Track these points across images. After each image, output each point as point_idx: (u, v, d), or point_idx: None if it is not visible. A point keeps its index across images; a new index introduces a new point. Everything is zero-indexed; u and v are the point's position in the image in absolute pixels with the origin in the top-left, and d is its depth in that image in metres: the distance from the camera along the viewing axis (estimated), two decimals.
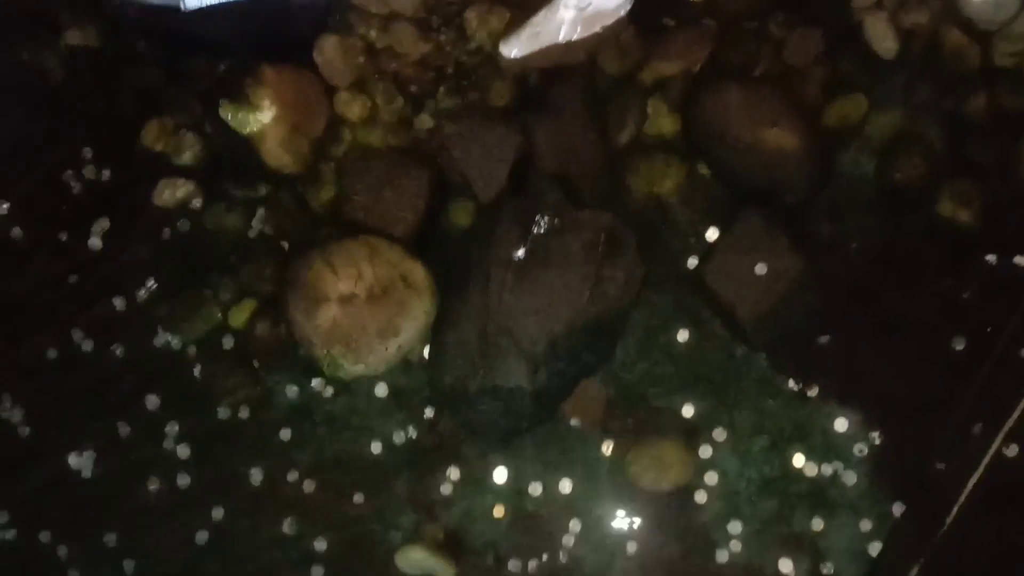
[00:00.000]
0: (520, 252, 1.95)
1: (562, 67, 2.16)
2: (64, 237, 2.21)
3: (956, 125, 2.12)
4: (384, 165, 2.17)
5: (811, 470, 2.01)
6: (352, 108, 2.20)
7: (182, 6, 2.16)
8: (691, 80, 2.17)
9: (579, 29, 2.13)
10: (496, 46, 2.16)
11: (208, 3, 2.16)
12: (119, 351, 2.16)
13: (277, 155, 2.17)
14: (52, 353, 2.15)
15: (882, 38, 2.12)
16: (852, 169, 2.13)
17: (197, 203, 2.22)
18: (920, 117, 2.12)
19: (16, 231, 2.22)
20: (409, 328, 2.03)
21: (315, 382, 2.12)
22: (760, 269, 2.01)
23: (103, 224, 2.21)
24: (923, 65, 2.13)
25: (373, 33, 2.21)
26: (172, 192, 2.21)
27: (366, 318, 2.01)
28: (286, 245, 2.18)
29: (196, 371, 2.14)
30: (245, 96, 2.11)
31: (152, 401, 2.12)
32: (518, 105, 2.18)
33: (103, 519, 2.08)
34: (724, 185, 2.14)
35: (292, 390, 2.12)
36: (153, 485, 2.08)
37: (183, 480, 2.08)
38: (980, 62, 2.11)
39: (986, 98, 2.10)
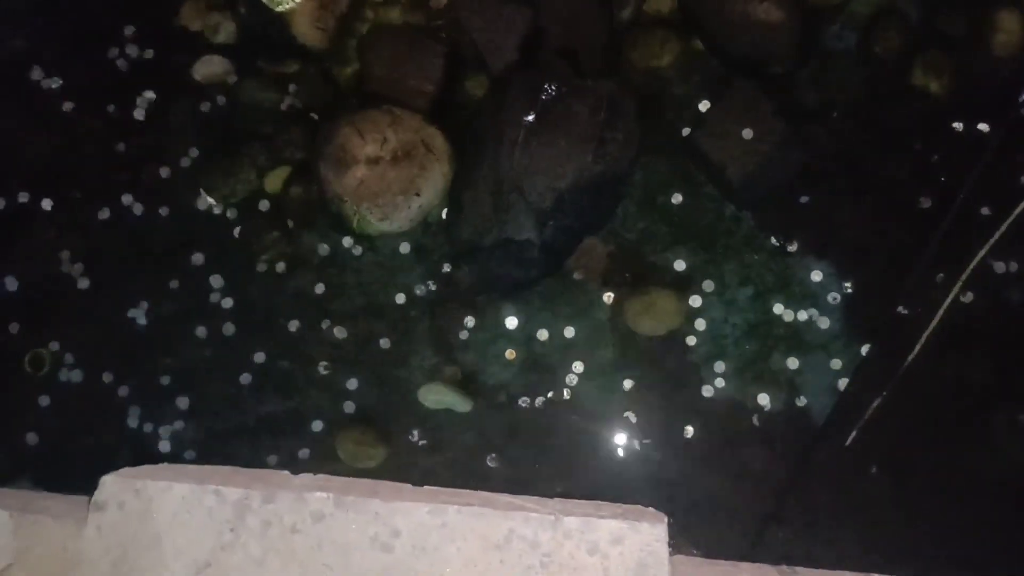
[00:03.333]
0: (530, 117, 2.20)
1: None
2: (111, 109, 2.48)
3: (931, 1, 2.35)
4: (403, 42, 2.40)
5: (789, 316, 2.30)
6: None
7: None
8: None
9: None
10: None
11: None
12: (165, 213, 2.43)
13: (307, 32, 2.41)
14: (105, 214, 2.44)
15: None
16: (835, 43, 2.36)
17: (232, 79, 2.47)
18: None
19: (67, 104, 2.48)
20: (429, 188, 2.31)
21: (344, 240, 2.39)
22: (748, 133, 2.27)
23: (147, 98, 2.48)
24: None
25: None
26: (209, 68, 2.46)
27: (391, 178, 2.29)
28: (315, 116, 2.44)
29: (236, 231, 2.41)
30: None
31: (197, 258, 2.40)
32: None
33: (158, 362, 2.36)
34: (717, 59, 2.37)
35: (323, 247, 2.40)
36: (201, 333, 2.38)
37: (228, 329, 2.38)
38: None
39: None
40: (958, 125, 2.31)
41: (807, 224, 2.33)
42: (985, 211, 2.27)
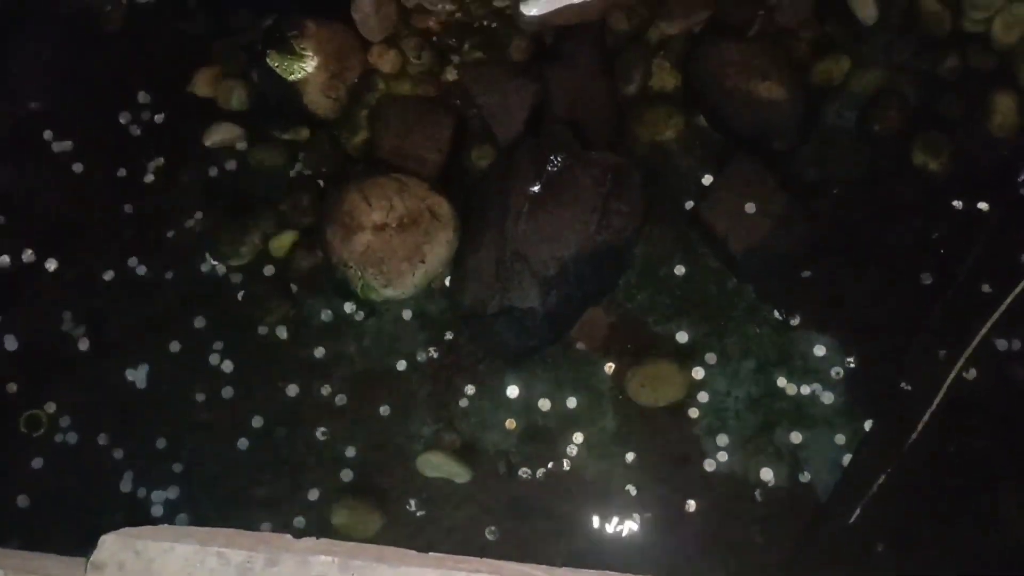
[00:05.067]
0: (535, 187, 2.27)
1: (576, 25, 2.48)
2: (122, 173, 2.55)
3: (930, 83, 2.43)
4: (412, 112, 2.49)
5: (792, 390, 2.33)
6: (384, 60, 2.53)
7: None
8: (692, 39, 2.48)
9: None
10: (516, 6, 2.49)
11: None
12: (170, 275, 2.47)
13: (317, 101, 2.50)
14: (109, 275, 2.49)
15: (864, 5, 2.42)
16: (835, 120, 2.45)
17: (242, 144, 2.55)
18: (898, 75, 2.43)
19: (78, 166, 2.55)
20: (434, 256, 2.36)
21: (347, 306, 2.44)
22: (750, 207, 2.34)
23: (158, 162, 2.55)
24: (901, 29, 2.44)
25: None
26: (220, 134, 2.54)
27: (396, 245, 2.34)
28: (323, 183, 2.52)
29: (240, 295, 2.46)
30: (291, 46, 2.44)
31: (199, 321, 2.45)
32: (535, 59, 2.50)
33: (155, 426, 2.38)
34: (720, 134, 2.46)
35: (326, 313, 2.44)
36: (200, 396, 2.41)
37: (227, 392, 2.40)
38: (952, 27, 2.42)
39: (957, 59, 2.42)
40: (958, 203, 2.38)
41: (810, 298, 2.38)
42: (986, 288, 2.32)
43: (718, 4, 2.49)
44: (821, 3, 2.47)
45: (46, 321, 2.45)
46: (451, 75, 2.54)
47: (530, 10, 2.46)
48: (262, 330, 2.44)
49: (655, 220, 2.43)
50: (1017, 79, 2.41)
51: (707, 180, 2.45)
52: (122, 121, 2.58)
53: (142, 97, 2.59)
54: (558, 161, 2.27)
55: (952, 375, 2.25)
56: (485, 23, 2.54)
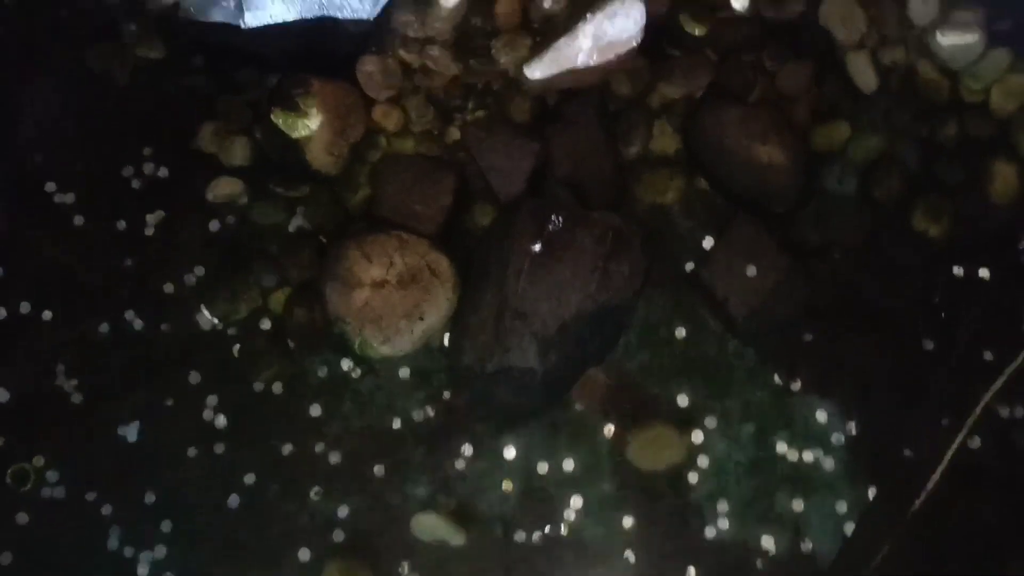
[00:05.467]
0: (536, 246, 2.28)
1: (578, 88, 2.53)
2: (122, 226, 2.56)
3: (929, 149, 2.47)
4: (414, 170, 2.51)
5: (793, 455, 2.31)
6: (388, 119, 2.56)
7: (242, 25, 2.56)
8: (693, 103, 2.52)
9: (595, 56, 2.50)
10: (520, 68, 2.53)
11: (265, 23, 2.56)
12: (166, 329, 2.46)
13: (320, 158, 2.52)
14: (104, 328, 2.47)
15: (863, 73, 2.48)
16: (836, 185, 2.47)
17: (244, 200, 2.56)
18: (897, 142, 2.46)
19: (78, 219, 2.56)
20: (433, 313, 2.36)
21: (344, 363, 2.42)
22: (751, 270, 2.34)
23: (158, 215, 2.56)
24: (900, 97, 2.48)
25: (410, 54, 2.59)
26: (222, 189, 2.55)
27: (395, 302, 2.34)
28: (323, 238, 2.52)
29: (236, 350, 2.44)
30: (295, 104, 2.47)
31: (194, 376, 2.43)
32: (537, 120, 2.53)
33: (144, 482, 2.34)
34: (720, 197, 2.48)
35: (323, 369, 2.42)
36: (192, 452, 2.38)
37: (219, 448, 2.37)
38: (950, 96, 2.46)
39: (956, 127, 2.45)
40: (958, 269, 2.39)
41: (811, 362, 2.37)
42: (988, 356, 2.31)
43: (719, 69, 2.53)
44: (820, 70, 2.51)
45: (39, 373, 2.43)
46: (454, 134, 2.57)
47: (533, 73, 2.50)
48: (257, 386, 2.42)
49: (656, 282, 2.43)
50: (1016, 147, 2.44)
51: (708, 243, 2.46)
52: (125, 174, 2.59)
53: (146, 151, 2.60)
54: (559, 221, 2.28)
55: (956, 443, 2.23)
56: (488, 84, 2.58)
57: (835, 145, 2.48)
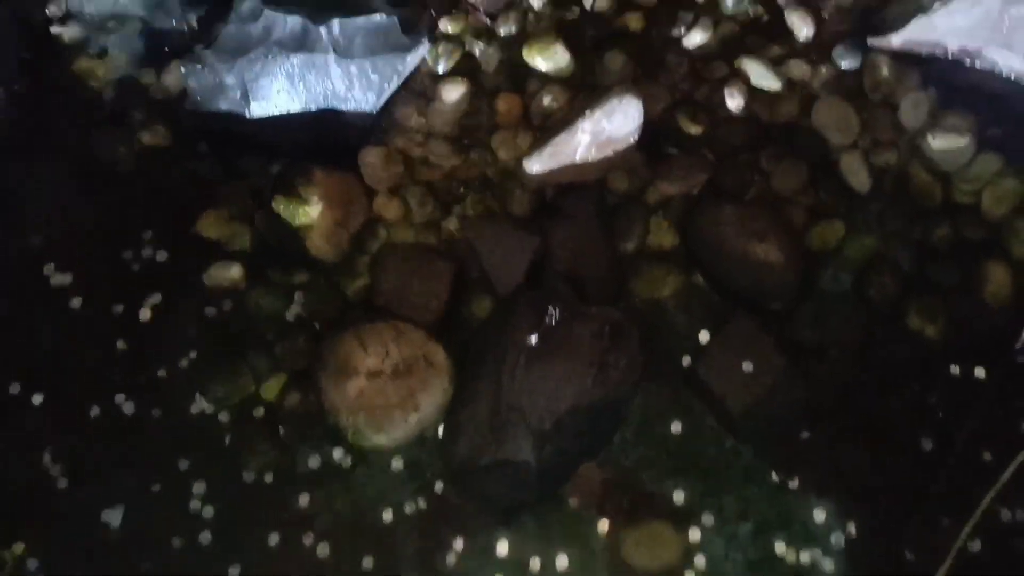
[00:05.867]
0: (533, 339, 2.29)
1: (577, 183, 2.57)
2: (118, 309, 2.56)
3: (924, 250, 2.49)
4: (413, 260, 2.53)
5: (791, 556, 2.26)
6: (388, 209, 2.60)
7: (247, 114, 2.62)
8: (690, 200, 2.56)
9: (593, 152, 2.56)
10: (519, 162, 2.58)
11: (270, 113, 2.62)
12: (157, 414, 2.45)
13: (320, 246, 2.55)
14: (95, 412, 2.46)
15: (857, 174, 2.53)
16: (831, 284, 2.49)
17: (242, 286, 2.57)
18: (891, 242, 2.50)
19: (75, 301, 2.57)
20: (428, 404, 2.35)
21: (336, 452, 2.40)
22: (748, 366, 2.35)
23: (155, 299, 2.57)
24: (894, 198, 2.53)
25: (411, 147, 2.65)
26: (221, 275, 2.57)
27: (390, 392, 2.33)
28: (319, 326, 2.53)
29: (227, 437, 2.42)
30: (297, 193, 2.51)
31: (183, 463, 2.40)
32: (536, 213, 2.57)
33: (127, 570, 2.29)
34: (717, 293, 2.50)
35: (314, 459, 2.39)
36: (176, 541, 2.33)
37: (205, 537, 2.32)
38: (943, 197, 2.51)
39: (949, 228, 2.49)
40: (955, 369, 2.40)
41: (808, 460, 2.35)
42: (987, 457, 2.30)
43: (715, 168, 2.59)
44: (815, 171, 2.57)
45: (25, 457, 2.40)
46: (453, 225, 2.60)
47: (532, 167, 2.55)
48: (247, 475, 2.39)
49: (652, 377, 2.43)
50: (1009, 250, 2.47)
51: (704, 338, 2.47)
52: (124, 258, 2.61)
53: (147, 235, 2.63)
54: (556, 314, 2.29)
55: (956, 547, 2.20)
56: (488, 177, 2.62)
57: (830, 244, 2.52)
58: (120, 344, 2.53)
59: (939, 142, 2.51)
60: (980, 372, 2.38)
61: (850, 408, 2.38)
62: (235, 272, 2.57)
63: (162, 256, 2.62)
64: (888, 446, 2.35)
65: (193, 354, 2.51)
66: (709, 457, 2.38)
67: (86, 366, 2.51)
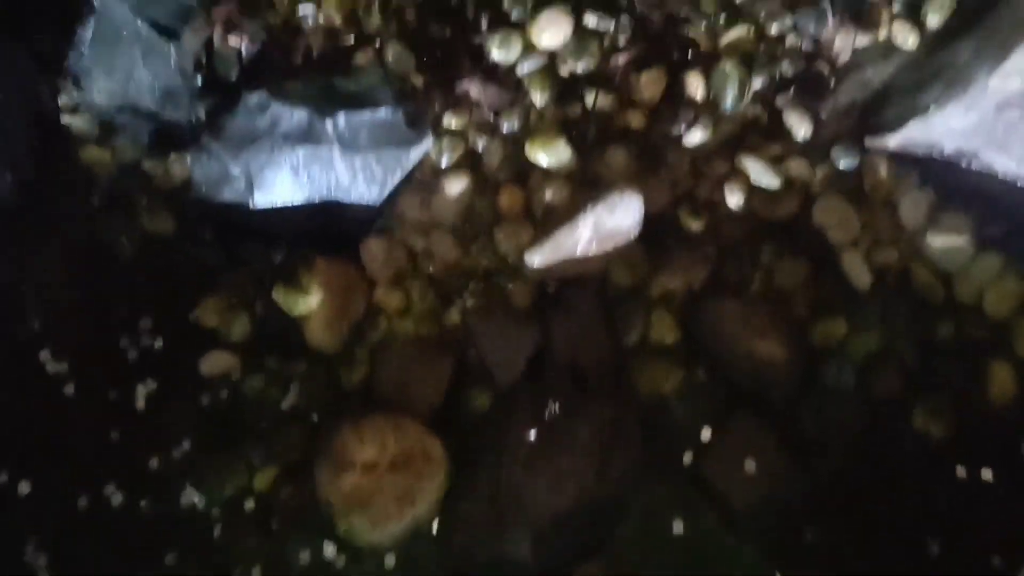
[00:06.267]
0: (533, 434, 2.27)
1: (578, 276, 2.59)
2: (113, 397, 2.54)
3: (927, 348, 2.48)
4: (413, 352, 2.53)
5: None
6: (389, 300, 2.60)
7: (251, 204, 2.65)
8: (692, 295, 2.56)
9: (595, 246, 2.57)
10: (521, 255, 2.59)
11: (274, 203, 2.64)
12: (146, 506, 2.40)
13: (319, 336, 2.54)
14: (83, 503, 2.41)
15: (858, 272, 2.53)
16: (834, 381, 2.46)
17: (238, 374, 2.55)
18: (895, 340, 2.48)
19: (69, 389, 2.55)
20: (424, 499, 2.30)
21: (328, 548, 2.34)
22: (750, 464, 2.32)
23: (150, 387, 2.55)
24: (895, 296, 2.53)
25: (414, 238, 2.66)
26: (217, 364, 2.55)
27: (386, 486, 2.29)
28: (316, 417, 2.50)
29: (216, 530, 2.38)
30: (298, 282, 2.52)
31: (170, 557, 2.34)
32: (537, 306, 2.57)
33: None
34: (720, 388, 2.48)
35: (305, 554, 2.33)
36: None
37: None
38: (944, 296, 2.51)
39: (952, 327, 2.49)
40: (961, 470, 2.36)
41: (812, 561, 2.29)
42: (996, 561, 2.25)
43: (717, 263, 2.60)
44: (816, 267, 2.58)
45: (8, 549, 2.34)
46: (454, 317, 2.60)
47: (534, 260, 2.57)
48: (235, 571, 2.33)
49: (653, 473, 2.39)
50: (1013, 350, 2.46)
51: (706, 435, 2.44)
52: (121, 345, 2.60)
53: (145, 323, 2.63)
54: (557, 409, 2.28)
55: None
56: (490, 270, 2.63)
57: (833, 341, 2.51)
58: (113, 433, 2.50)
59: (939, 241, 2.53)
60: (987, 474, 2.35)
61: (854, 508, 2.34)
62: (232, 361, 2.56)
63: (159, 344, 2.61)
64: (894, 548, 2.29)
65: (186, 444, 2.48)
66: (711, 556, 2.33)
67: (77, 455, 2.48)
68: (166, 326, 2.63)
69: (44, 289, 2.72)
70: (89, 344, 2.62)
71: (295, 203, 2.65)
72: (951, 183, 2.60)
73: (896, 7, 2.75)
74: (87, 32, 2.87)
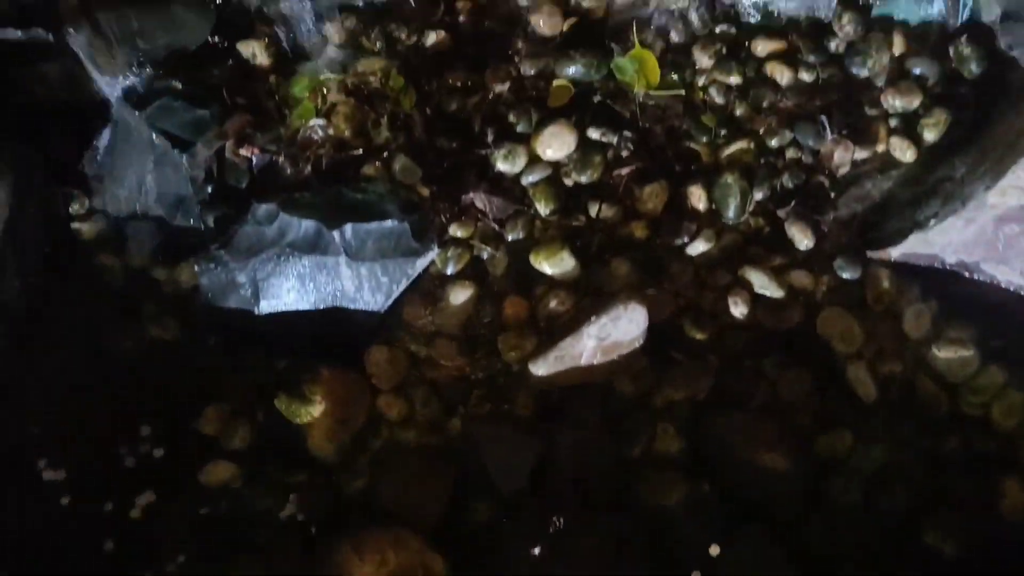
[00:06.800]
0: (536, 550, 2.23)
1: (582, 386, 2.59)
2: (108, 507, 2.51)
3: (935, 461, 2.46)
4: (415, 461, 2.51)
5: None
6: (392, 409, 2.59)
7: (256, 311, 2.67)
8: (696, 406, 2.56)
9: (599, 356, 2.58)
10: (525, 364, 2.60)
11: (279, 310, 2.67)
12: None
13: (320, 445, 2.53)
14: None
15: (863, 383, 2.53)
16: (842, 495, 2.43)
17: (237, 484, 2.53)
18: (901, 453, 2.47)
19: (65, 499, 2.52)
20: None
21: None
22: None
23: (148, 497, 2.52)
24: (901, 408, 2.53)
25: (418, 346, 2.67)
26: (216, 473, 2.53)
27: None
28: (314, 528, 2.46)
29: None
30: (301, 391, 2.52)
31: None
32: (541, 416, 2.56)
33: None
34: (725, 502, 2.44)
35: None
36: None
37: None
38: (950, 408, 2.51)
39: (959, 440, 2.47)
40: None
41: None
42: None
43: (721, 374, 2.60)
44: (821, 379, 2.58)
45: None
46: (456, 426, 2.59)
47: (538, 370, 2.57)
48: None
49: None
50: (1021, 462, 2.44)
51: (714, 550, 2.39)
52: (120, 453, 2.58)
53: (145, 431, 2.61)
54: (560, 523, 2.24)
55: None
56: (494, 378, 2.63)
57: (839, 453, 2.48)
58: (107, 544, 2.45)
59: (944, 353, 2.54)
60: None
61: None
62: (232, 470, 2.54)
63: (159, 452, 2.59)
64: None
65: (181, 557, 2.43)
66: None
67: (69, 566, 2.43)
68: (167, 434, 2.61)
69: (46, 394, 2.71)
70: (87, 452, 2.60)
71: (300, 310, 2.67)
72: (954, 294, 2.63)
73: (893, 122, 2.83)
74: (103, 141, 2.96)
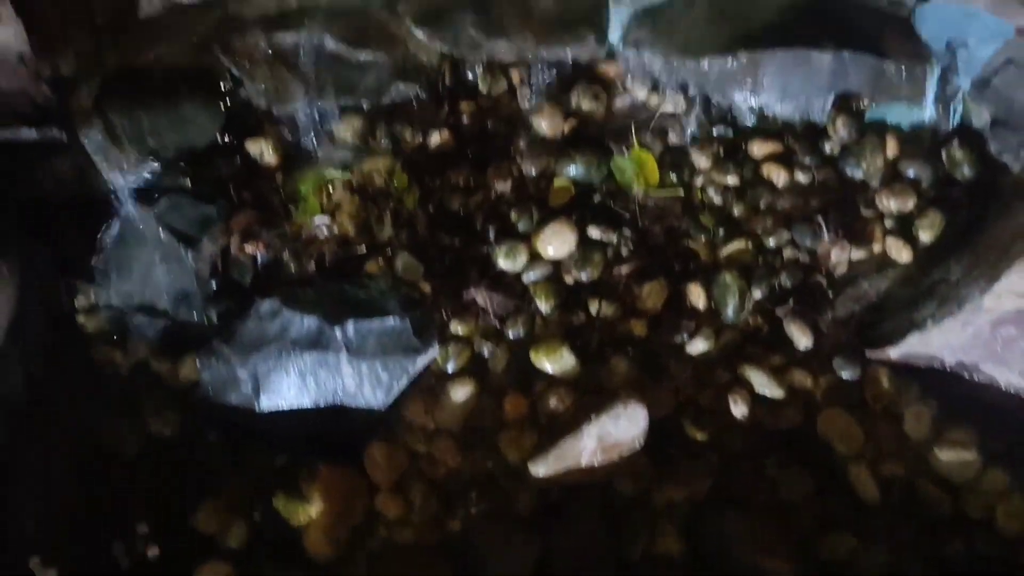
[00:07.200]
0: None
1: (582, 486, 2.58)
2: None
3: (939, 565, 2.43)
4: (411, 560, 2.48)
5: None
6: (390, 507, 2.58)
7: (256, 407, 2.68)
8: (696, 506, 2.54)
9: (599, 456, 2.58)
10: (524, 463, 2.60)
11: (279, 406, 2.68)
12: None
13: (317, 543, 2.50)
14: None
15: (864, 484, 2.52)
16: None
17: None
18: (905, 555, 2.44)
19: None
20: None
21: None
22: None
23: None
24: (902, 510, 2.51)
25: (417, 444, 2.67)
26: (213, 574, 2.51)
27: None
28: None
29: None
30: (299, 490, 2.52)
31: None
32: (540, 515, 2.55)
33: None
34: None
35: None
36: None
37: None
38: (953, 511, 2.50)
39: (962, 543, 2.45)
40: None
41: None
42: None
43: (721, 473, 2.59)
44: (822, 479, 2.57)
45: None
46: (455, 524, 2.57)
47: (538, 470, 2.57)
48: None
49: None
50: None
51: None
52: (114, 551, 2.56)
53: (141, 528, 2.60)
54: None
55: None
56: (493, 476, 2.63)
57: (841, 556, 2.46)
58: None
59: (946, 455, 2.55)
60: None
61: None
62: (227, 570, 2.51)
63: (154, 551, 2.56)
64: None
65: None
66: None
67: None
68: (162, 532, 2.60)
69: (41, 489, 2.70)
70: (81, 550, 2.57)
71: (300, 407, 2.68)
72: (954, 395, 2.64)
73: (888, 223, 2.89)
74: (108, 236, 3.01)
